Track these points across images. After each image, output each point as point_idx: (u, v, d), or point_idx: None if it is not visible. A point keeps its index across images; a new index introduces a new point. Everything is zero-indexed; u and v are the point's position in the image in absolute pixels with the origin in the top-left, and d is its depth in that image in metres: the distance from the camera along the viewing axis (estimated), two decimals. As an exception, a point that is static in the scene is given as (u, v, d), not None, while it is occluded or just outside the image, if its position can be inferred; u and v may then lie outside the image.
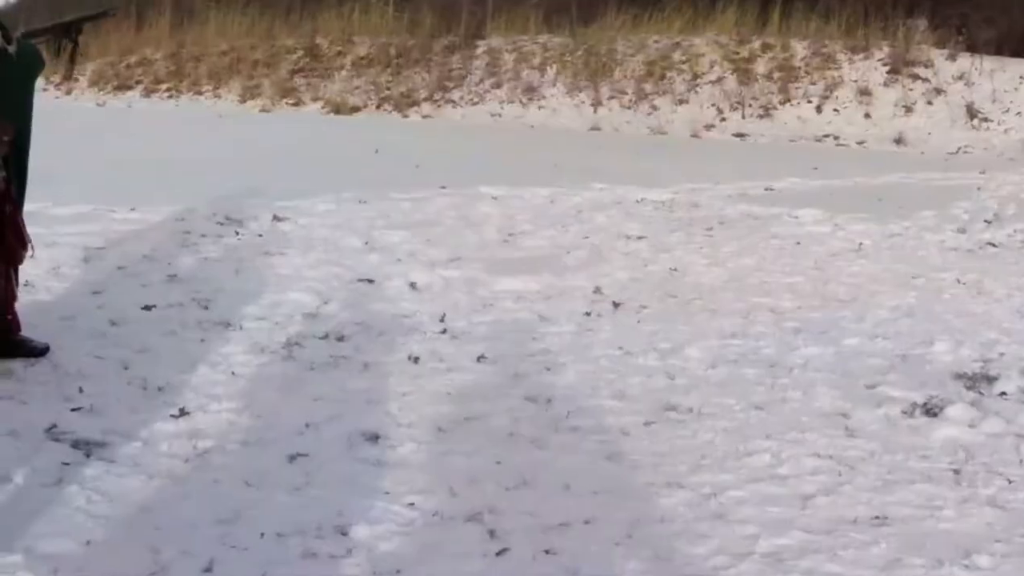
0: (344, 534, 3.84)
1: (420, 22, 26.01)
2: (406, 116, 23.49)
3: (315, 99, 25.07)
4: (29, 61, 5.62)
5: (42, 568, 3.47)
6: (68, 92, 27.79)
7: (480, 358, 6.01)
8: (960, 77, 20.66)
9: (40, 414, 4.87)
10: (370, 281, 7.71)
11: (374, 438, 4.78)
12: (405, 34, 26.11)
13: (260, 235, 9.15)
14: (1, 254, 5.51)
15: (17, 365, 5.52)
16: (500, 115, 22.67)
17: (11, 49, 5.39)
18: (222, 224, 9.47)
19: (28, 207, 8.94)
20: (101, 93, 27.74)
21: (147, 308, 6.79)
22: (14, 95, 5.48)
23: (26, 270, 7.00)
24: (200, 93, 26.61)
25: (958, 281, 8.17)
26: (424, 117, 23.21)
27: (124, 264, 7.86)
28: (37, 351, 5.67)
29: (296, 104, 25.07)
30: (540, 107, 22.64)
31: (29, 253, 5.70)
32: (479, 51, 24.83)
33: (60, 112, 19.38)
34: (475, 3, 26.28)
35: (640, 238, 9.34)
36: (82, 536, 3.70)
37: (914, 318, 7.08)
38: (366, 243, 8.92)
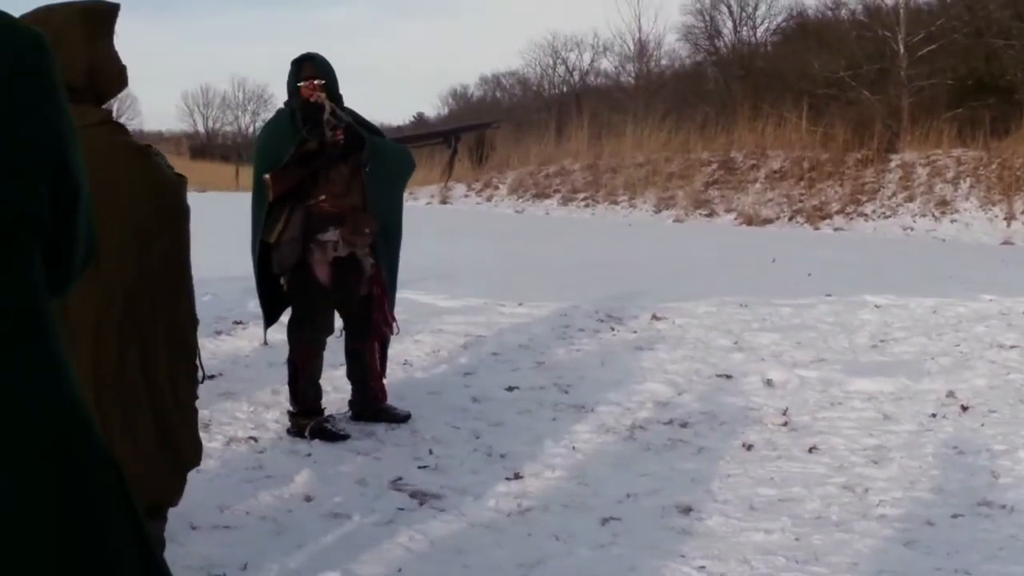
0: (629, 587, 4.21)
1: (834, 136, 26.17)
2: (817, 228, 23.71)
3: (728, 210, 25.65)
4: (399, 162, 6.26)
5: (353, 584, 4.03)
6: (489, 199, 29.54)
7: (812, 449, 6.21)
8: None
9: (389, 469, 5.54)
10: (728, 376, 8.02)
11: (687, 510, 5.12)
12: (819, 148, 26.35)
13: (635, 332, 9.63)
14: (370, 332, 6.22)
15: (380, 428, 6.26)
16: (912, 229, 22.53)
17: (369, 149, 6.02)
18: (602, 321, 10.03)
19: (424, 298, 9.91)
20: (520, 200, 29.32)
21: (510, 389, 7.40)
22: (380, 192, 6.12)
23: (408, 351, 7.84)
24: (616, 203, 27.72)
25: None
26: (836, 230, 23.36)
27: (499, 351, 8.53)
28: (399, 418, 6.37)
29: (709, 215, 25.72)
30: (952, 221, 22.34)
31: (394, 332, 6.40)
32: (892, 164, 24.75)
33: (478, 217, 20.71)
34: (890, 116, 26.24)
35: (1013, 347, 9.17)
36: (395, 565, 4.26)
37: None
38: (735, 343, 9.23)
